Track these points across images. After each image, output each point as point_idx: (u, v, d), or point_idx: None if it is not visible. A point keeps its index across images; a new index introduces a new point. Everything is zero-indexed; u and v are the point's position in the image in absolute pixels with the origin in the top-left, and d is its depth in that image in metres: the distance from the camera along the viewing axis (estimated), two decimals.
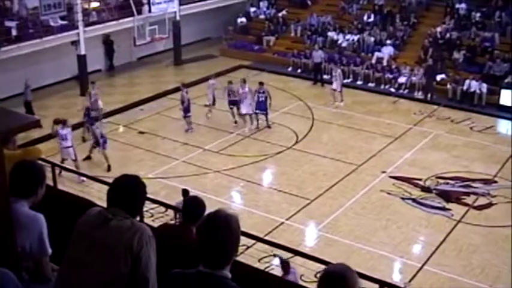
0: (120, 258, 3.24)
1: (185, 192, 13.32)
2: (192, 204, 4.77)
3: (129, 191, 3.45)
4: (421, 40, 26.61)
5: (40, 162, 6.86)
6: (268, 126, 20.75)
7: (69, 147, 16.97)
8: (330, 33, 28.27)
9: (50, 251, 3.74)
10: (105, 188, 3.65)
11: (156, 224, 6.15)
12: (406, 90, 24.35)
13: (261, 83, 20.97)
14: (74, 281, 3.33)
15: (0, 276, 3.19)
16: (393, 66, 25.34)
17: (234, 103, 20.92)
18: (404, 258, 13.59)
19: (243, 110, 20.44)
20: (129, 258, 3.25)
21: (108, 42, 27.03)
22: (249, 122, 20.57)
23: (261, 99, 20.49)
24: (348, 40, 27.69)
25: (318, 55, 25.79)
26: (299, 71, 26.93)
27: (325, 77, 26.13)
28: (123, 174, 3.61)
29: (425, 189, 16.64)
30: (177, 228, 4.71)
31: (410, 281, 12.62)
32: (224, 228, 2.86)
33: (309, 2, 31.09)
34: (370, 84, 25.34)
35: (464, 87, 23.22)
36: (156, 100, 23.54)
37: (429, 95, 23.64)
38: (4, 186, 3.62)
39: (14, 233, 3.60)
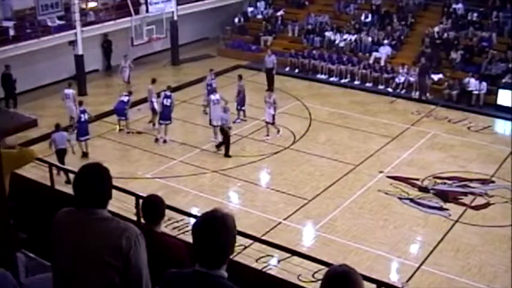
0: (110, 263, 3.16)
1: (57, 126, 16.72)
2: (151, 204, 4.46)
3: (94, 188, 3.32)
4: (419, 40, 26.64)
5: (37, 162, 6.86)
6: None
7: (71, 105, 19.92)
8: (327, 33, 28.27)
9: None
10: None
11: None
12: (404, 90, 24.36)
13: (240, 76, 21.85)
14: None
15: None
16: (389, 68, 25.33)
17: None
18: (401, 258, 13.59)
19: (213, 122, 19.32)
20: (120, 261, 3.16)
21: (106, 43, 26.99)
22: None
23: (240, 94, 21.31)
24: (345, 40, 27.69)
25: (270, 60, 24.82)
26: (296, 70, 26.90)
27: (323, 77, 26.23)
28: (83, 165, 3.45)
29: (423, 189, 16.66)
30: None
31: (407, 280, 12.63)
32: (221, 227, 2.84)
33: (307, 2, 31.10)
34: (368, 84, 25.34)
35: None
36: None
37: (423, 94, 23.64)
38: (1, 186, 3.62)
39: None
